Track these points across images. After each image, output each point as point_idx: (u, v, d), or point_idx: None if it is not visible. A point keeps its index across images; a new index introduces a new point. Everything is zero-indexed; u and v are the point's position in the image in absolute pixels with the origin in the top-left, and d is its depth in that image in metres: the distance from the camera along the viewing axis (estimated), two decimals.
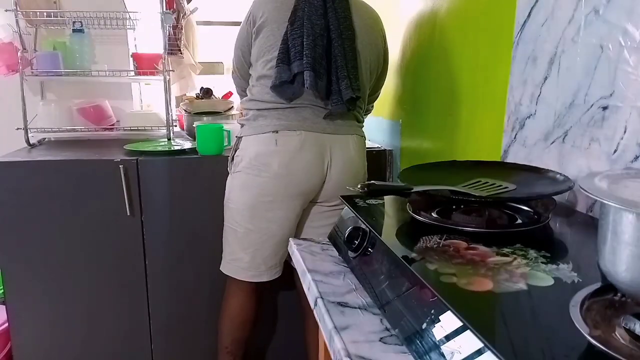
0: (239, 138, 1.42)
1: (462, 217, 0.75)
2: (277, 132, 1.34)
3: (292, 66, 1.30)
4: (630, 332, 0.42)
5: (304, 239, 0.94)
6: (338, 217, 1.40)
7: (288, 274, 1.53)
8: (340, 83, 1.32)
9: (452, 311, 0.49)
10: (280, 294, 1.76)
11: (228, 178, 1.45)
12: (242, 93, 1.53)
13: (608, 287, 0.49)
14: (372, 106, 1.67)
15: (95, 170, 1.58)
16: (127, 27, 1.93)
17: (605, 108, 0.79)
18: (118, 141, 1.95)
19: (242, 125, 1.44)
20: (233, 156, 1.43)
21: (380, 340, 0.58)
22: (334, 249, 0.86)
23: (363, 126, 1.50)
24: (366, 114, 1.60)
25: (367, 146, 1.78)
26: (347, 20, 1.35)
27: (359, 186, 0.74)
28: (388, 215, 0.83)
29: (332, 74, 1.33)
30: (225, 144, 1.65)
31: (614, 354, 0.39)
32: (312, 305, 0.72)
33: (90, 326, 1.68)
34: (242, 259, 1.42)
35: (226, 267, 1.46)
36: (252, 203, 1.37)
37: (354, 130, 1.43)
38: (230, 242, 1.44)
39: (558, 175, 0.81)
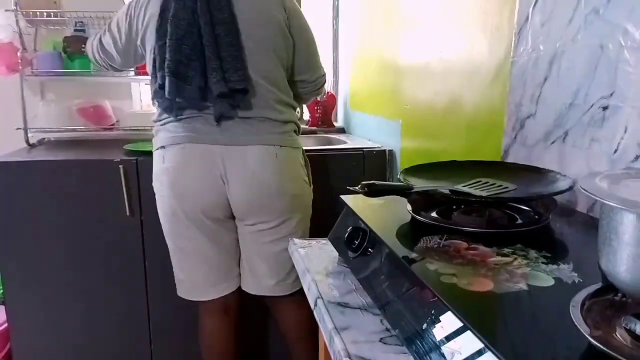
0: None
1: (463, 217, 0.75)
2: (164, 147, 1.27)
3: (158, 76, 1.22)
4: (631, 333, 0.42)
5: (304, 239, 0.94)
6: (267, 237, 1.34)
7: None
8: (210, 77, 1.18)
9: (452, 311, 0.49)
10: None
11: None
12: (108, 66, 1.46)
13: (608, 287, 0.49)
14: (315, 90, 1.47)
15: (95, 171, 1.58)
16: None
17: (605, 108, 0.79)
18: (118, 141, 1.95)
19: None
20: None
21: (380, 341, 0.58)
22: (334, 249, 0.86)
23: (287, 130, 1.32)
24: (313, 95, 1.48)
25: (367, 146, 1.78)
26: (222, 3, 1.20)
27: (359, 186, 0.74)
28: (388, 215, 0.83)
29: (206, 71, 1.20)
30: None
31: (614, 354, 0.39)
32: (312, 305, 0.72)
33: (90, 326, 1.68)
34: (182, 280, 1.41)
35: (178, 291, 1.44)
36: (166, 222, 1.34)
37: (256, 140, 1.25)
38: (172, 262, 1.42)
39: (558, 175, 0.81)
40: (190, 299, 1.42)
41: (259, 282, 1.41)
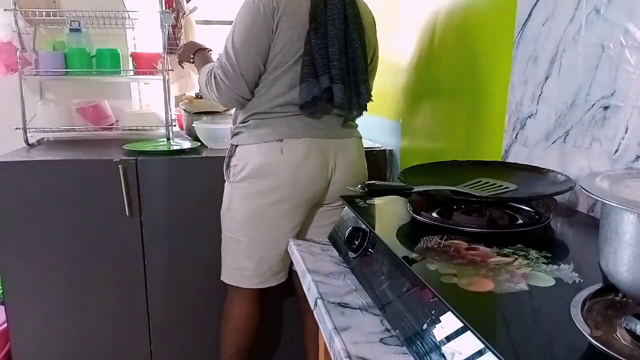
0: (235, 146, 1.36)
1: (463, 217, 0.75)
2: (281, 140, 1.30)
3: (320, 80, 1.24)
4: (632, 333, 0.42)
5: (304, 240, 0.94)
6: (339, 215, 1.41)
7: (289, 278, 1.52)
8: (360, 88, 1.31)
9: (452, 312, 0.49)
10: (283, 297, 1.75)
11: (226, 187, 1.41)
12: (240, 102, 1.32)
13: (609, 287, 0.49)
14: None
15: (95, 170, 1.58)
16: (127, 26, 1.93)
17: (606, 108, 0.79)
18: (117, 141, 1.95)
19: (237, 133, 1.36)
20: (228, 164, 1.38)
21: (380, 341, 0.58)
22: (334, 249, 0.86)
23: (357, 126, 1.49)
24: None
25: (367, 146, 1.79)
26: (359, 19, 1.31)
27: (359, 186, 0.73)
28: (388, 216, 0.83)
29: (351, 78, 1.30)
30: None
31: (615, 354, 0.39)
32: (312, 306, 0.71)
33: (90, 326, 1.68)
34: (247, 268, 1.39)
35: (229, 277, 1.43)
36: (257, 212, 1.34)
37: (352, 133, 1.42)
38: (232, 251, 1.41)
39: (559, 175, 0.81)
40: (244, 287, 1.41)
41: None
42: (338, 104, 1.27)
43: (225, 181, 1.41)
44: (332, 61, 1.24)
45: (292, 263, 1.47)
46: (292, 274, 1.51)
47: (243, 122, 1.36)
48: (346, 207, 0.86)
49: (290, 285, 1.56)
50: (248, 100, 1.33)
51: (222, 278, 1.44)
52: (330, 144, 1.35)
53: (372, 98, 1.35)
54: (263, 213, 1.34)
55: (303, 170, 1.32)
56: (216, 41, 2.26)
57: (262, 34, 1.24)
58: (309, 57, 1.23)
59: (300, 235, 1.46)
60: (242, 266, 1.40)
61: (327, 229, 1.38)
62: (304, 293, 1.49)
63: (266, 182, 1.32)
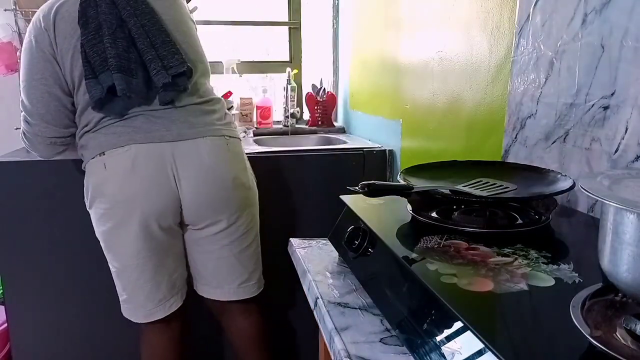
0: (83, 171, 1.25)
1: (463, 217, 0.75)
2: (103, 153, 1.15)
3: (100, 78, 1.11)
4: (631, 333, 0.42)
5: (305, 239, 0.94)
6: (223, 240, 1.25)
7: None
8: (150, 68, 1.12)
9: (452, 312, 0.49)
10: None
11: None
12: (53, 141, 1.23)
13: (609, 287, 0.49)
14: None
15: None
16: None
17: (606, 108, 0.79)
18: None
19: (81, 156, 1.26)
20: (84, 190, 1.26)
21: (380, 341, 0.58)
22: (334, 249, 0.86)
23: (228, 122, 1.28)
24: None
25: (367, 146, 1.78)
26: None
27: (359, 186, 0.73)
28: (388, 215, 0.83)
29: (145, 62, 1.14)
30: None
31: (615, 354, 0.39)
32: (312, 305, 0.72)
33: (90, 326, 1.68)
34: (126, 300, 1.29)
35: (123, 311, 1.32)
36: (107, 239, 1.22)
37: (205, 131, 1.20)
38: (115, 283, 1.31)
39: (559, 175, 0.81)
40: (137, 321, 1.30)
41: (221, 286, 1.33)
42: (121, 94, 1.11)
43: None
44: (108, 50, 1.10)
45: (195, 285, 1.36)
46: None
47: (79, 143, 1.25)
48: (346, 207, 0.86)
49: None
50: (65, 137, 1.24)
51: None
52: (166, 148, 1.15)
53: (181, 69, 1.14)
54: (112, 238, 1.21)
55: (131, 184, 1.14)
56: (216, 41, 2.26)
57: (43, 63, 1.16)
58: (84, 56, 1.12)
59: (198, 263, 1.33)
60: (123, 299, 1.30)
61: (233, 250, 1.26)
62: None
63: (101, 204, 1.18)
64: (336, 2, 2.28)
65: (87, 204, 1.25)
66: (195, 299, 1.39)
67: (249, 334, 1.40)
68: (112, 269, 1.29)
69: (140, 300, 1.27)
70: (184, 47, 1.21)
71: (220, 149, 1.21)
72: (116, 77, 1.10)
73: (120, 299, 1.32)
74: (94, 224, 1.26)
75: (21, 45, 1.84)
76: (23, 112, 1.21)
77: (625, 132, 0.75)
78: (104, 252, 1.27)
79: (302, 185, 1.70)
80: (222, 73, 2.16)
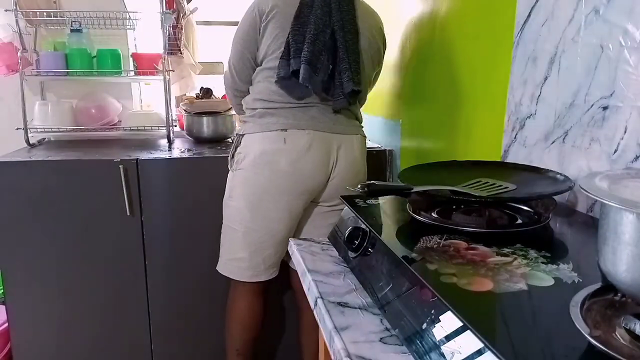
0: (241, 135, 1.40)
1: (462, 217, 0.75)
2: (285, 130, 1.34)
3: (291, 62, 1.29)
4: (631, 332, 0.42)
5: (304, 239, 0.94)
6: (338, 217, 1.42)
7: (287, 274, 1.53)
8: (342, 76, 1.32)
9: (452, 311, 0.49)
10: (283, 293, 1.75)
11: (229, 175, 1.43)
12: (237, 94, 1.48)
13: (608, 287, 0.49)
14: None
15: (95, 170, 1.58)
16: (127, 27, 1.93)
17: (605, 108, 0.79)
18: (118, 141, 1.95)
19: (244, 122, 1.42)
20: (234, 153, 1.41)
21: (380, 341, 0.58)
22: (334, 249, 0.86)
23: (363, 126, 1.51)
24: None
25: (367, 146, 1.79)
26: (351, 16, 1.35)
27: (359, 186, 0.74)
28: (388, 215, 0.83)
29: (335, 69, 1.32)
30: None
31: (614, 354, 0.39)
32: (312, 305, 0.72)
33: (90, 326, 1.68)
34: (241, 259, 1.41)
35: (224, 268, 1.45)
36: (255, 201, 1.35)
37: (357, 130, 1.44)
38: (229, 241, 1.43)
39: (558, 176, 0.81)
40: (240, 279, 1.42)
41: None
42: (302, 81, 1.28)
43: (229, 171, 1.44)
44: (305, 45, 1.28)
45: (288, 259, 1.50)
46: (289, 270, 1.53)
47: (250, 113, 1.41)
48: (346, 207, 0.86)
49: (288, 281, 1.57)
50: (244, 92, 1.45)
51: (217, 268, 1.46)
52: (334, 138, 1.37)
53: (358, 89, 1.33)
54: (261, 202, 1.35)
55: (304, 161, 1.34)
56: (216, 42, 2.26)
57: (250, 30, 1.37)
58: (287, 42, 1.31)
59: (297, 233, 1.47)
60: (237, 257, 1.42)
61: (326, 230, 1.40)
62: (301, 290, 1.52)
63: (266, 170, 1.34)
64: None
65: (234, 166, 1.41)
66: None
67: None
68: (240, 228, 1.39)
69: (256, 261, 1.40)
70: (364, 72, 1.41)
71: (362, 146, 1.47)
72: (304, 67, 1.27)
73: (226, 256, 1.45)
74: (236, 185, 1.39)
75: (22, 46, 1.84)
76: (227, 62, 1.48)
77: (625, 132, 0.75)
78: (231, 212, 1.40)
79: None
80: (222, 73, 2.16)
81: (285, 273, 1.52)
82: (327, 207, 1.45)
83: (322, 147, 1.35)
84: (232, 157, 1.42)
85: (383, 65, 1.55)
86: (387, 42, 1.51)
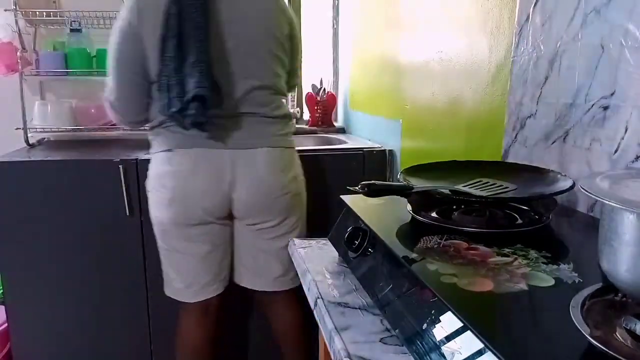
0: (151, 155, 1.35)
1: (463, 217, 0.75)
2: (170, 150, 1.27)
3: (190, 102, 1.18)
4: (631, 333, 0.42)
5: (304, 239, 0.94)
6: (267, 235, 1.36)
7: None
8: (185, 84, 1.18)
9: (452, 312, 0.49)
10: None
11: None
12: (135, 120, 1.38)
13: (609, 287, 0.49)
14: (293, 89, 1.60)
15: (95, 170, 1.58)
16: None
17: (606, 108, 0.79)
18: (118, 141, 1.95)
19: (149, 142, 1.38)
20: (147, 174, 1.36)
21: (380, 341, 0.58)
22: (334, 249, 0.86)
23: (285, 132, 1.35)
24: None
25: (367, 146, 1.78)
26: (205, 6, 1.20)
27: (359, 186, 0.73)
28: (388, 215, 0.83)
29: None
30: None
31: (614, 354, 0.39)
32: (312, 305, 0.72)
33: (90, 326, 1.68)
34: (174, 280, 1.39)
35: (166, 289, 1.43)
36: (162, 222, 1.32)
37: (263, 142, 1.29)
38: (162, 262, 1.41)
39: (559, 175, 0.81)
40: (179, 300, 1.40)
41: (262, 277, 1.43)
42: (193, 122, 1.19)
43: None
44: (196, 72, 1.16)
45: (234, 277, 1.44)
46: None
47: (151, 131, 1.36)
48: (346, 207, 0.86)
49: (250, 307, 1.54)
50: (143, 119, 1.34)
51: (164, 291, 1.43)
52: (226, 155, 1.26)
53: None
54: (163, 224, 1.32)
55: (192, 184, 1.26)
56: None
57: (133, 46, 1.25)
58: (161, 72, 1.20)
59: (242, 255, 1.42)
60: (170, 278, 1.40)
61: (277, 244, 1.36)
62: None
63: (161, 193, 1.29)
64: (336, 2, 2.28)
65: (146, 187, 1.36)
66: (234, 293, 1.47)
67: (291, 325, 1.48)
68: (163, 250, 1.38)
69: (188, 281, 1.37)
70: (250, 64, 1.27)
71: (273, 160, 1.31)
72: (196, 106, 1.18)
73: (165, 279, 1.42)
74: (149, 206, 1.35)
75: (22, 46, 1.84)
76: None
77: (625, 132, 0.75)
78: (157, 234, 1.37)
79: None
80: None
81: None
82: (251, 226, 1.37)
83: (210, 167, 1.26)
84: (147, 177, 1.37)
85: (381, 63, 1.52)
86: (386, 42, 1.48)
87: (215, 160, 1.26)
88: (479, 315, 0.50)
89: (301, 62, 1.50)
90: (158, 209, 1.32)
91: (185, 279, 1.37)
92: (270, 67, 1.32)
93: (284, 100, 1.41)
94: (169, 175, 1.27)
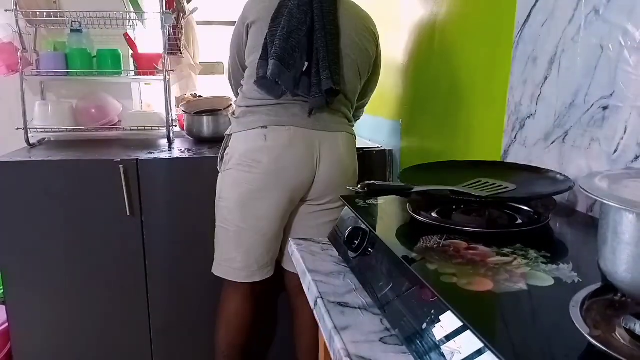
0: (229, 136, 1.42)
1: (462, 217, 0.75)
2: (266, 127, 1.34)
3: (269, 62, 1.30)
4: (631, 332, 0.42)
5: (304, 239, 0.94)
6: (329, 216, 1.42)
7: (280, 276, 1.53)
8: (321, 74, 1.31)
9: (452, 311, 0.49)
10: (276, 295, 1.75)
11: (219, 177, 1.44)
12: (236, 93, 1.53)
13: (608, 287, 0.49)
14: (362, 112, 1.67)
15: (95, 170, 1.58)
16: (127, 27, 1.93)
17: (605, 108, 0.79)
18: (118, 141, 1.95)
19: (230, 124, 1.45)
20: (222, 155, 1.43)
21: (380, 341, 0.58)
22: (334, 249, 0.86)
23: (353, 126, 1.50)
24: (356, 120, 1.59)
25: (367, 146, 1.79)
26: (332, 17, 1.34)
27: (359, 186, 0.74)
28: (388, 215, 0.83)
29: (312, 66, 1.32)
30: None
31: (614, 354, 0.39)
32: (312, 305, 0.72)
33: (90, 326, 1.68)
34: (234, 259, 1.42)
35: (218, 269, 1.45)
36: (242, 200, 1.36)
37: (343, 128, 1.43)
38: (222, 242, 1.44)
39: (558, 176, 0.81)
40: (232, 280, 1.43)
41: None
42: (270, 77, 1.29)
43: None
44: (276, 42, 1.29)
45: (281, 260, 1.51)
46: (283, 272, 1.53)
47: (234, 113, 1.44)
48: (346, 207, 0.86)
49: (282, 284, 1.57)
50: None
51: (212, 270, 1.46)
52: (316, 135, 1.37)
53: (337, 88, 1.32)
54: (249, 200, 1.36)
55: (286, 158, 1.34)
56: (216, 42, 2.26)
57: (238, 36, 1.44)
58: (264, 43, 1.33)
59: (287, 232, 1.48)
60: (230, 257, 1.42)
61: (316, 230, 1.42)
62: (295, 290, 1.49)
63: (251, 168, 1.35)
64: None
65: (222, 167, 1.42)
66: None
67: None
68: (232, 228, 1.40)
69: (249, 261, 1.41)
70: (345, 71, 1.40)
71: (349, 144, 1.45)
72: (273, 62, 1.28)
73: (220, 257, 1.45)
74: (225, 186, 1.40)
75: (22, 46, 1.84)
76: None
77: (625, 132, 0.75)
78: (223, 213, 1.40)
79: None
80: (222, 73, 2.17)
81: (279, 275, 1.52)
82: (316, 206, 1.44)
83: (303, 144, 1.35)
84: (222, 158, 1.43)
85: (383, 65, 1.54)
86: (386, 42, 1.50)
87: (307, 139, 1.36)
88: (479, 315, 0.50)
89: (375, 85, 1.60)
90: (244, 184, 1.36)
91: (248, 258, 1.40)
92: (351, 82, 1.43)
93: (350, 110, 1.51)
94: (265, 150, 1.33)
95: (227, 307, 1.48)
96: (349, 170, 1.43)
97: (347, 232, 0.77)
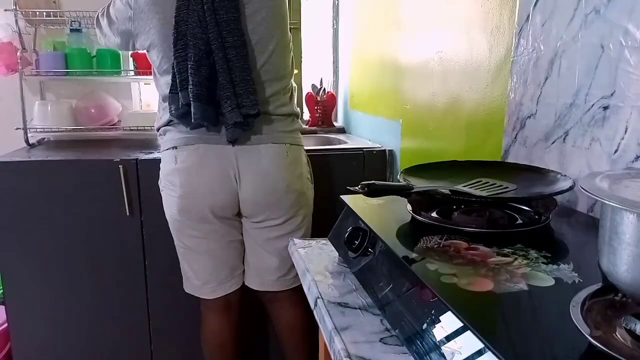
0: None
1: (463, 217, 0.75)
2: (176, 148, 1.28)
3: (181, 95, 1.21)
4: (631, 333, 0.42)
5: (304, 239, 0.94)
6: (276, 232, 1.36)
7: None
8: (223, 105, 1.20)
9: (452, 312, 0.49)
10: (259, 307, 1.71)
11: None
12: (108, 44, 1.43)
13: (609, 287, 0.49)
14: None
15: (95, 170, 1.58)
16: None
17: (606, 108, 0.79)
18: (118, 141, 1.95)
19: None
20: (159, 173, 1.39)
21: (380, 341, 0.58)
22: (334, 249, 0.86)
23: (289, 129, 1.34)
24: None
25: (367, 146, 1.79)
26: (230, 24, 1.19)
27: (359, 186, 0.73)
28: (388, 215, 0.83)
29: (222, 96, 1.20)
30: None
31: (614, 354, 0.39)
32: (312, 305, 0.72)
33: (90, 326, 1.68)
34: (192, 277, 1.41)
35: (185, 286, 1.45)
36: (175, 220, 1.35)
37: (269, 139, 1.29)
38: (180, 259, 1.43)
39: (559, 175, 0.81)
40: (198, 296, 1.43)
41: (262, 277, 1.44)
42: (195, 121, 1.21)
43: None
44: (191, 78, 1.18)
45: (245, 278, 1.45)
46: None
47: (157, 131, 1.38)
48: (346, 207, 0.86)
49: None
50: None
51: (184, 288, 1.45)
52: (231, 150, 1.26)
53: (250, 112, 1.19)
54: (179, 221, 1.34)
55: (198, 179, 1.27)
56: None
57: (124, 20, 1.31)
58: (172, 73, 1.23)
59: (247, 253, 1.43)
60: (188, 275, 1.43)
61: (269, 246, 1.37)
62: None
63: (170, 191, 1.32)
64: (336, 2, 2.28)
65: (159, 186, 1.38)
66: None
67: (293, 324, 1.49)
68: (180, 248, 1.40)
69: (205, 278, 1.39)
70: (264, 72, 1.27)
71: (278, 155, 1.30)
72: (194, 105, 1.19)
73: (183, 276, 1.45)
74: (164, 206, 1.37)
75: (22, 46, 1.84)
76: None
77: (625, 132, 0.75)
78: (172, 232, 1.39)
79: None
80: None
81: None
82: (257, 223, 1.37)
83: (216, 162, 1.26)
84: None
85: (381, 63, 1.52)
86: (386, 42, 1.48)
87: (220, 156, 1.27)
88: (479, 315, 0.50)
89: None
90: (170, 207, 1.34)
91: (202, 275, 1.39)
92: (286, 51, 1.32)
93: (289, 98, 1.38)
94: (176, 172, 1.28)
95: (205, 327, 1.47)
96: (278, 186, 1.30)
97: (347, 232, 0.77)
